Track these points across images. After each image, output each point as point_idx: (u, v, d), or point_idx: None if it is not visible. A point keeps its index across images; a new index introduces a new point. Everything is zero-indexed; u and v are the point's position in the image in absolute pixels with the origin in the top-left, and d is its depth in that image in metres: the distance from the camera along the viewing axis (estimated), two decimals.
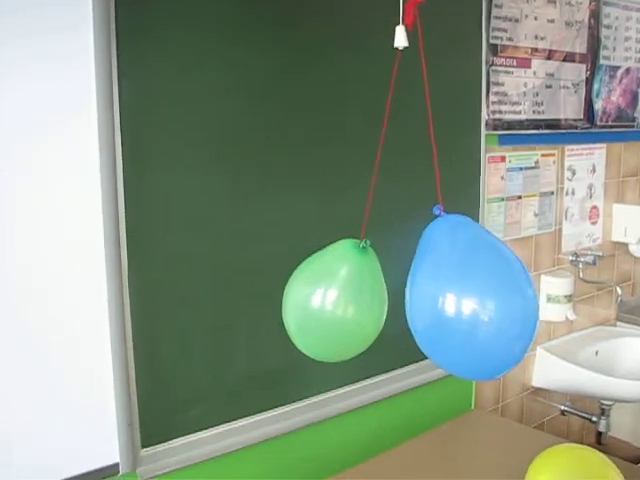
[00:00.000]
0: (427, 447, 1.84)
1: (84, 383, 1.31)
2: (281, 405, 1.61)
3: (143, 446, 1.39)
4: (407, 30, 0.98)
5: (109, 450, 1.34)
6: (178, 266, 1.41)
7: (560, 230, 2.48)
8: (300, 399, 1.65)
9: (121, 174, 1.30)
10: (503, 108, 2.17)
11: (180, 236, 1.40)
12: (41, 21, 1.19)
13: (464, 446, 1.89)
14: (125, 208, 1.31)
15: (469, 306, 0.91)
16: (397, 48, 1.00)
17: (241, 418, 1.54)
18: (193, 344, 1.45)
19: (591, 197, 2.61)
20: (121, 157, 1.29)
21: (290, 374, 1.61)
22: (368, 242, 1.09)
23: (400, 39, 0.99)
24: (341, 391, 1.75)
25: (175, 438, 1.44)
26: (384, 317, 1.12)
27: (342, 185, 1.68)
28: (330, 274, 1.07)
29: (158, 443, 1.41)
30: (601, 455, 1.15)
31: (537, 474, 1.15)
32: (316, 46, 1.59)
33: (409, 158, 1.79)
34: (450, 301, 0.92)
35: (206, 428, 1.48)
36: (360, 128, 1.68)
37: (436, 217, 1.02)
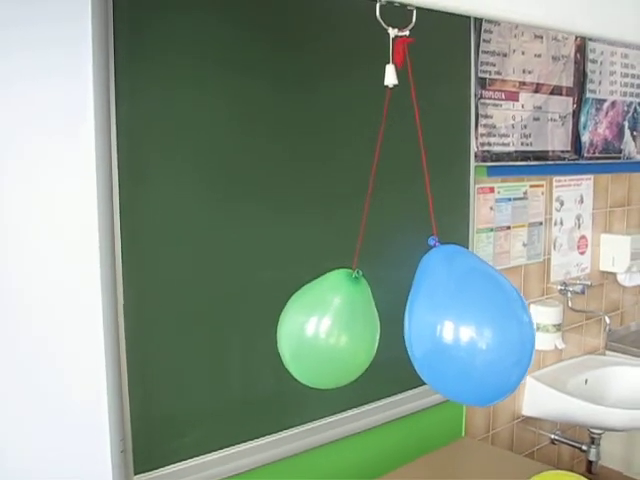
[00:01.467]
0: (419, 474, 1.85)
1: (76, 406, 1.31)
2: (276, 432, 1.63)
3: (136, 472, 1.39)
4: (396, 68, 1.02)
5: (102, 477, 1.34)
6: (173, 289, 1.43)
7: (549, 260, 2.51)
8: (294, 425, 1.66)
9: (117, 192, 1.32)
10: (492, 140, 2.21)
11: (176, 260, 1.43)
12: (41, 36, 1.20)
13: (455, 474, 1.90)
14: (120, 229, 1.33)
15: (466, 334, 0.93)
16: (387, 86, 1.04)
17: (236, 444, 1.55)
18: (188, 369, 1.46)
19: (579, 227, 2.65)
20: (117, 177, 1.31)
21: (285, 400, 1.62)
22: (360, 272, 1.12)
23: (390, 77, 1.02)
24: (333, 418, 1.76)
25: (170, 464, 1.44)
26: (376, 345, 1.14)
27: (333, 213, 1.71)
28: (323, 303, 1.10)
29: (152, 469, 1.42)
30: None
31: None
32: (309, 75, 1.63)
33: (399, 188, 1.83)
34: (448, 329, 0.94)
35: (201, 454, 1.49)
36: (350, 157, 1.72)
37: (431, 248, 1.05)
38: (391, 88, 1.04)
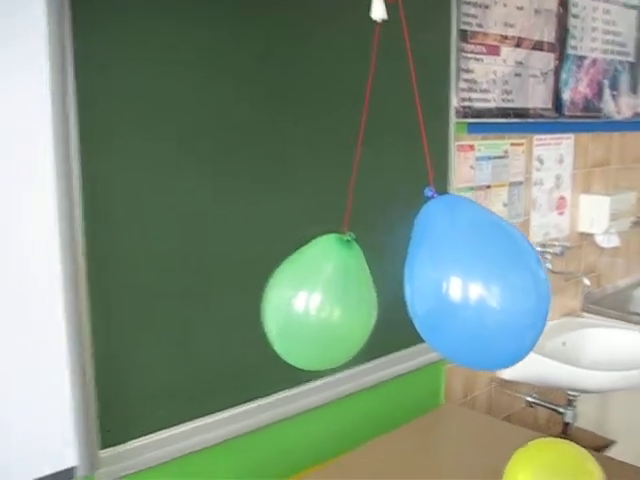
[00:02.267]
0: (400, 443, 1.79)
1: (35, 377, 1.21)
2: (251, 400, 1.55)
3: (102, 447, 1.31)
4: (386, 2, 0.92)
5: (64, 452, 1.26)
6: (142, 258, 1.33)
7: (528, 221, 2.45)
8: (266, 395, 1.58)
9: (78, 170, 1.22)
10: (473, 96, 2.13)
11: (145, 229, 1.33)
12: None
13: (438, 441, 1.85)
14: (83, 206, 1.23)
15: (475, 291, 0.84)
16: (375, 21, 0.94)
17: (209, 414, 1.47)
18: (158, 338, 1.37)
19: (559, 187, 2.60)
20: (78, 150, 1.21)
21: (256, 369, 1.54)
22: (352, 235, 1.03)
23: (378, 10, 0.93)
24: (306, 387, 1.68)
25: (138, 437, 1.36)
26: (374, 318, 1.05)
27: (316, 176, 1.62)
28: (313, 274, 1.01)
29: (119, 443, 1.33)
30: (581, 449, 1.12)
31: (516, 471, 1.11)
32: (285, 30, 1.53)
33: (383, 145, 1.75)
34: (454, 285, 0.85)
35: (171, 426, 1.40)
36: (332, 115, 1.63)
37: (429, 199, 0.97)
38: (379, 23, 0.95)
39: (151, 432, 1.37)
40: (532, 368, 2.33)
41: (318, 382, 1.70)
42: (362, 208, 1.41)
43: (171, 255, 1.37)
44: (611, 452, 2.66)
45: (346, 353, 1.06)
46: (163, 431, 1.39)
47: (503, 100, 2.25)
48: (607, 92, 2.80)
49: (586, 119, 2.68)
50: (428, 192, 0.96)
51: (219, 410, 1.49)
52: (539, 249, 2.48)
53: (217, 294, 1.46)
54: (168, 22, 1.33)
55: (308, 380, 1.67)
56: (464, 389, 2.26)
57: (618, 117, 2.88)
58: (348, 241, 1.02)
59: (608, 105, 2.81)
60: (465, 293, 0.85)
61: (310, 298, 0.99)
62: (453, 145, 2.04)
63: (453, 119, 2.03)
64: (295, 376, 1.63)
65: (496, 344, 0.88)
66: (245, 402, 1.54)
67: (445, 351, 0.94)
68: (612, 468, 1.17)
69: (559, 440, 1.16)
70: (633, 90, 2.97)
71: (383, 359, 1.89)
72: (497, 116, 2.23)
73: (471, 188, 2.18)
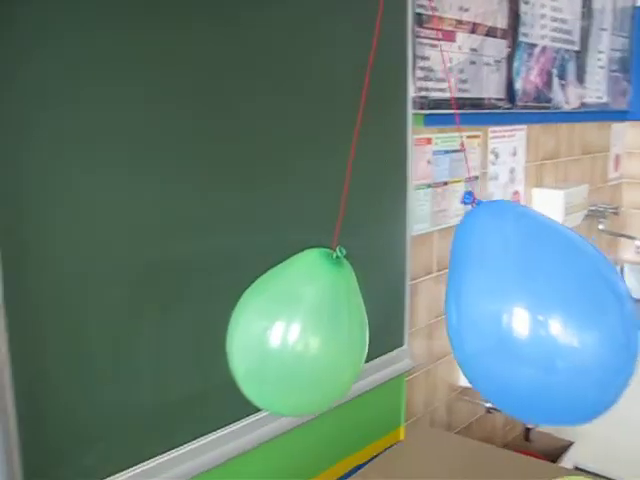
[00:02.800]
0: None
1: None
2: (197, 437, 1.34)
3: None
4: None
5: None
6: (71, 271, 1.11)
7: None
8: (216, 429, 1.38)
9: None
10: (429, 85, 1.97)
11: (74, 236, 1.10)
12: None
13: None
14: None
15: (548, 326, 0.67)
16: None
17: (148, 460, 1.25)
18: (87, 371, 1.15)
19: (513, 182, 2.48)
20: None
21: (206, 401, 1.34)
22: (343, 251, 0.83)
23: None
24: (254, 418, 1.46)
25: None
26: (365, 351, 0.87)
27: (280, 178, 1.43)
28: (294, 299, 0.81)
29: None
30: None
31: None
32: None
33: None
34: (518, 319, 0.68)
35: (106, 477, 1.19)
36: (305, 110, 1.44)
37: (469, 206, 0.79)
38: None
39: None
40: None
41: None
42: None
43: (112, 267, 1.15)
44: (570, 452, 2.57)
45: (332, 397, 0.87)
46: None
47: (459, 90, 2.10)
48: (556, 81, 2.70)
49: (537, 110, 2.57)
50: (467, 198, 0.78)
51: (164, 451, 1.28)
52: None
53: (162, 313, 1.24)
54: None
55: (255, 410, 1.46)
56: (425, 401, 2.11)
57: (567, 107, 2.78)
58: (338, 258, 0.82)
59: (557, 95, 2.71)
60: (534, 329, 0.67)
61: (290, 330, 0.79)
62: (411, 139, 1.88)
63: (410, 110, 1.87)
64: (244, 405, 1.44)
65: (574, 395, 0.70)
66: (191, 440, 1.33)
67: (500, 400, 0.76)
68: None
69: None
70: (579, 80, 2.89)
71: None
72: (453, 107, 2.08)
73: (429, 185, 2.03)
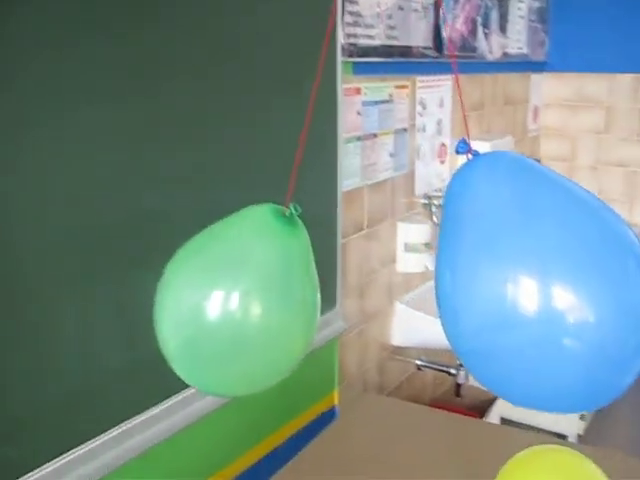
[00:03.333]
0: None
1: None
2: (123, 421, 1.21)
3: None
4: None
5: None
6: None
7: (413, 171, 2.24)
8: (142, 411, 1.25)
9: None
10: (358, 31, 1.86)
11: None
12: None
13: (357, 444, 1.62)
14: None
15: (556, 298, 0.57)
16: None
17: (66, 453, 1.11)
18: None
19: (440, 134, 2.41)
20: None
21: (132, 381, 1.21)
22: (298, 208, 0.71)
23: None
24: (181, 396, 1.35)
25: None
26: (317, 319, 0.76)
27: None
28: (239, 263, 0.69)
29: None
30: (576, 454, 0.91)
31: None
32: None
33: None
34: (525, 289, 0.58)
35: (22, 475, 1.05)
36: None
37: (464, 158, 0.68)
38: None
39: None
40: (427, 331, 2.15)
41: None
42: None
43: (25, 233, 1.00)
44: (498, 404, 2.58)
45: (280, 374, 0.77)
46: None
47: (387, 37, 1.99)
48: (480, 30, 2.64)
49: (463, 59, 2.50)
50: (461, 147, 0.67)
51: (80, 444, 1.14)
52: (425, 201, 2.29)
53: (79, 286, 1.10)
54: None
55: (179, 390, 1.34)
56: (358, 362, 2.05)
57: (490, 57, 2.73)
58: (291, 216, 0.71)
59: (481, 44, 2.65)
60: (545, 302, 0.58)
61: (231, 300, 0.67)
62: (341, 88, 1.76)
63: (340, 58, 1.75)
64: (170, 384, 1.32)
65: (588, 377, 0.61)
66: (116, 424, 1.20)
67: (499, 385, 0.66)
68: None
69: (550, 448, 0.95)
70: (502, 29, 2.84)
71: None
72: (382, 55, 1.98)
73: (358, 138, 1.93)
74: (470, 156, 0.67)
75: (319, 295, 0.76)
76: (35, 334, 1.04)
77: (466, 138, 0.66)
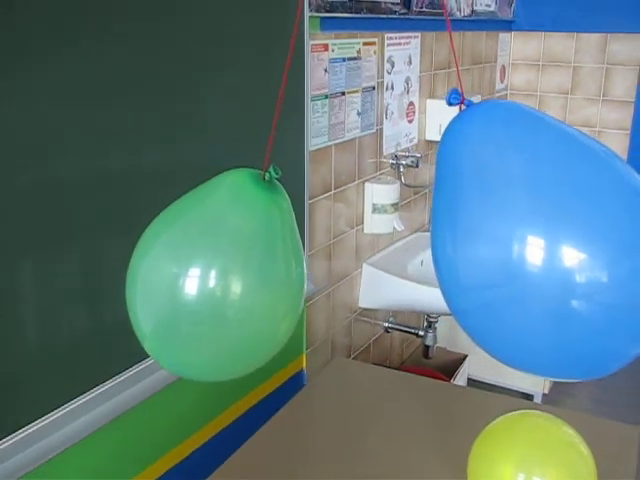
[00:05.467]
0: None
1: None
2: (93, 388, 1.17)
3: None
4: None
5: None
6: None
7: (381, 130, 2.20)
8: (113, 376, 1.22)
9: None
10: None
11: None
12: None
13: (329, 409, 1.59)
14: None
15: (568, 257, 0.54)
16: None
17: (34, 421, 1.07)
18: None
19: (408, 92, 2.36)
20: None
21: (99, 345, 1.17)
22: (279, 171, 0.66)
23: None
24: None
25: None
26: (304, 296, 0.72)
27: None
28: (217, 232, 0.63)
29: None
30: (549, 416, 0.90)
31: (494, 461, 0.87)
32: None
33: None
34: (533, 250, 0.54)
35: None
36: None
37: (457, 109, 0.64)
38: None
39: None
40: (394, 293, 2.14)
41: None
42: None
43: None
44: (465, 365, 2.59)
45: (264, 356, 0.72)
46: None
47: None
48: None
49: (432, 16, 2.44)
50: (453, 98, 0.63)
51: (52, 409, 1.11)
52: (393, 162, 2.25)
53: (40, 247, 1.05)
54: None
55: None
56: (326, 325, 2.02)
57: (459, 15, 2.68)
58: (270, 181, 0.66)
59: (450, 1, 2.60)
60: (552, 260, 0.54)
61: (210, 274, 0.63)
62: (308, 44, 1.71)
63: (307, 12, 1.69)
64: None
65: (600, 342, 0.58)
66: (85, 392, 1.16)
67: (502, 349, 0.63)
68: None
69: (529, 413, 0.93)
70: None
71: None
72: (350, 10, 1.92)
73: (326, 96, 1.87)
74: (463, 107, 0.63)
75: (305, 268, 0.72)
76: None
77: (458, 89, 0.62)
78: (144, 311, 0.65)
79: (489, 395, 1.61)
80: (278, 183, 0.67)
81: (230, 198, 0.65)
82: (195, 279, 0.62)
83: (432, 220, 0.64)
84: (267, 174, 0.65)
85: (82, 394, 1.15)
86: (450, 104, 0.64)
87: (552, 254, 0.55)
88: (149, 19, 1.19)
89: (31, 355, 1.05)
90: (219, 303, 0.62)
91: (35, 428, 1.07)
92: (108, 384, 1.20)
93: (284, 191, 0.68)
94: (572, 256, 0.54)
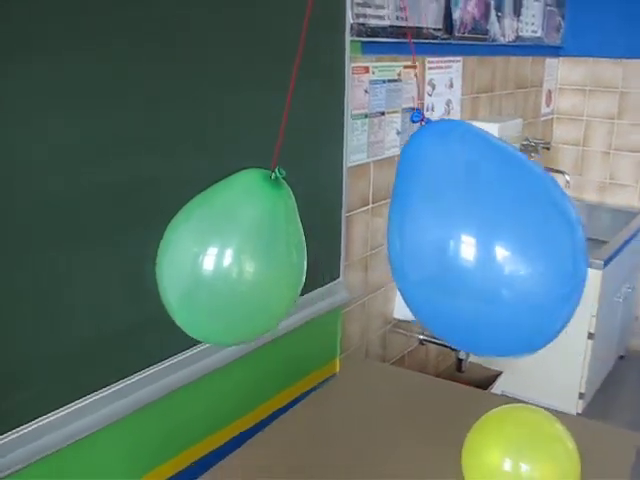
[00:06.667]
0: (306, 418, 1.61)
1: None
2: (134, 373, 1.29)
3: None
4: None
5: None
6: None
7: None
8: (155, 363, 1.34)
9: None
10: (368, 11, 1.91)
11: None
12: None
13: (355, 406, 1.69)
14: None
15: (492, 252, 0.64)
16: None
17: (86, 395, 1.20)
18: (12, 304, 1.08)
19: (449, 114, 2.45)
20: None
21: (145, 333, 1.29)
22: (283, 172, 0.79)
23: None
24: (195, 350, 1.43)
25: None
26: (303, 278, 0.83)
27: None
28: (229, 221, 0.76)
29: None
30: (546, 413, 0.98)
31: (482, 449, 0.95)
32: None
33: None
34: (465, 244, 0.65)
35: (41, 415, 1.13)
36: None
37: (418, 125, 0.74)
38: None
39: (17, 426, 1.09)
40: None
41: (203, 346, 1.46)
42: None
43: (38, 197, 1.07)
44: (499, 381, 2.64)
45: (268, 324, 0.84)
46: (33, 422, 1.12)
47: (397, 18, 2.04)
48: (493, 13, 2.67)
49: (474, 41, 2.54)
50: (415, 116, 0.73)
51: (102, 387, 1.23)
52: None
53: (94, 243, 1.18)
54: None
55: (191, 346, 1.42)
56: (360, 333, 2.12)
57: (503, 40, 2.77)
58: (277, 179, 0.78)
59: (494, 27, 2.69)
60: (479, 256, 0.65)
61: (225, 255, 0.75)
62: (349, 67, 1.82)
63: (348, 37, 1.81)
64: (176, 342, 1.39)
65: (518, 323, 0.68)
66: (129, 375, 1.29)
67: (444, 331, 0.74)
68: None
69: (517, 406, 1.02)
70: (516, 12, 2.87)
71: None
72: (391, 35, 2.03)
73: (365, 115, 1.98)
74: (423, 123, 0.73)
75: (304, 252, 0.83)
76: (50, 285, 1.12)
77: (420, 108, 0.72)
78: (171, 286, 0.78)
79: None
80: (283, 181, 0.79)
81: (243, 192, 0.78)
82: (212, 257, 0.75)
83: (388, 222, 0.75)
84: (274, 173, 0.77)
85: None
86: (413, 121, 0.74)
87: (480, 253, 0.65)
88: (197, 44, 1.32)
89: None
90: (230, 278, 0.74)
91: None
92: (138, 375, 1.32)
93: (288, 188, 0.80)
94: (498, 252, 0.65)
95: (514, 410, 0.99)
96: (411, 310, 0.75)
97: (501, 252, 0.64)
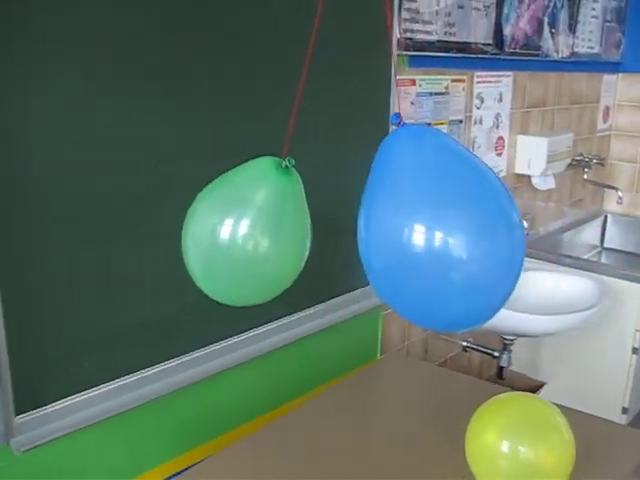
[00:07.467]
0: (344, 396, 1.69)
1: None
2: (178, 355, 1.42)
3: (18, 413, 1.16)
4: None
5: None
6: (50, 201, 1.16)
7: None
8: (198, 348, 1.46)
9: None
10: (415, 27, 2.00)
11: (54, 165, 1.16)
12: None
13: (386, 394, 1.76)
14: None
15: (444, 240, 0.74)
16: None
17: (132, 373, 1.33)
18: (71, 289, 1.22)
19: (497, 127, 2.52)
20: None
21: (185, 320, 1.41)
22: (292, 161, 0.90)
23: None
24: (238, 339, 1.55)
25: (57, 401, 1.21)
26: (306, 253, 0.95)
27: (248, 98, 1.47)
28: (243, 199, 0.89)
29: (36, 408, 1.18)
30: (547, 402, 1.05)
31: (481, 429, 1.03)
32: None
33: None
34: (419, 234, 0.75)
35: (93, 386, 1.26)
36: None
37: (395, 127, 0.84)
38: None
39: (72, 394, 1.23)
40: None
41: (251, 333, 1.58)
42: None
43: (89, 196, 1.21)
44: (541, 393, 2.67)
45: (275, 289, 0.98)
46: (86, 392, 1.25)
47: (445, 33, 2.13)
48: (546, 29, 2.72)
49: (526, 57, 2.60)
50: (394, 119, 0.83)
51: (147, 366, 1.36)
52: None
53: (140, 237, 1.31)
54: None
55: (239, 332, 1.54)
56: (401, 335, 2.20)
57: (556, 56, 2.81)
58: (287, 167, 0.90)
59: (547, 43, 2.73)
60: (432, 245, 0.75)
61: (238, 227, 0.88)
62: (394, 79, 1.92)
63: (395, 51, 1.90)
64: (225, 327, 1.52)
65: (463, 301, 0.79)
66: (175, 357, 1.41)
67: (403, 309, 0.84)
68: None
69: (523, 394, 1.09)
70: (571, 29, 2.91)
71: (320, 306, 1.78)
72: (439, 50, 2.12)
73: None
74: (400, 126, 0.83)
75: (308, 232, 0.96)
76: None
77: (399, 112, 0.82)
78: (194, 255, 0.92)
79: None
80: (293, 169, 0.92)
81: (256, 175, 0.91)
82: (226, 230, 0.88)
83: (358, 216, 0.85)
84: (285, 162, 0.90)
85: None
86: (392, 124, 0.83)
87: (433, 243, 0.76)
88: (249, 57, 1.44)
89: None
90: (244, 250, 0.88)
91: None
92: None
93: (297, 175, 0.93)
94: (448, 239, 0.75)
95: (517, 397, 1.06)
96: (377, 294, 0.85)
97: (450, 242, 0.75)
